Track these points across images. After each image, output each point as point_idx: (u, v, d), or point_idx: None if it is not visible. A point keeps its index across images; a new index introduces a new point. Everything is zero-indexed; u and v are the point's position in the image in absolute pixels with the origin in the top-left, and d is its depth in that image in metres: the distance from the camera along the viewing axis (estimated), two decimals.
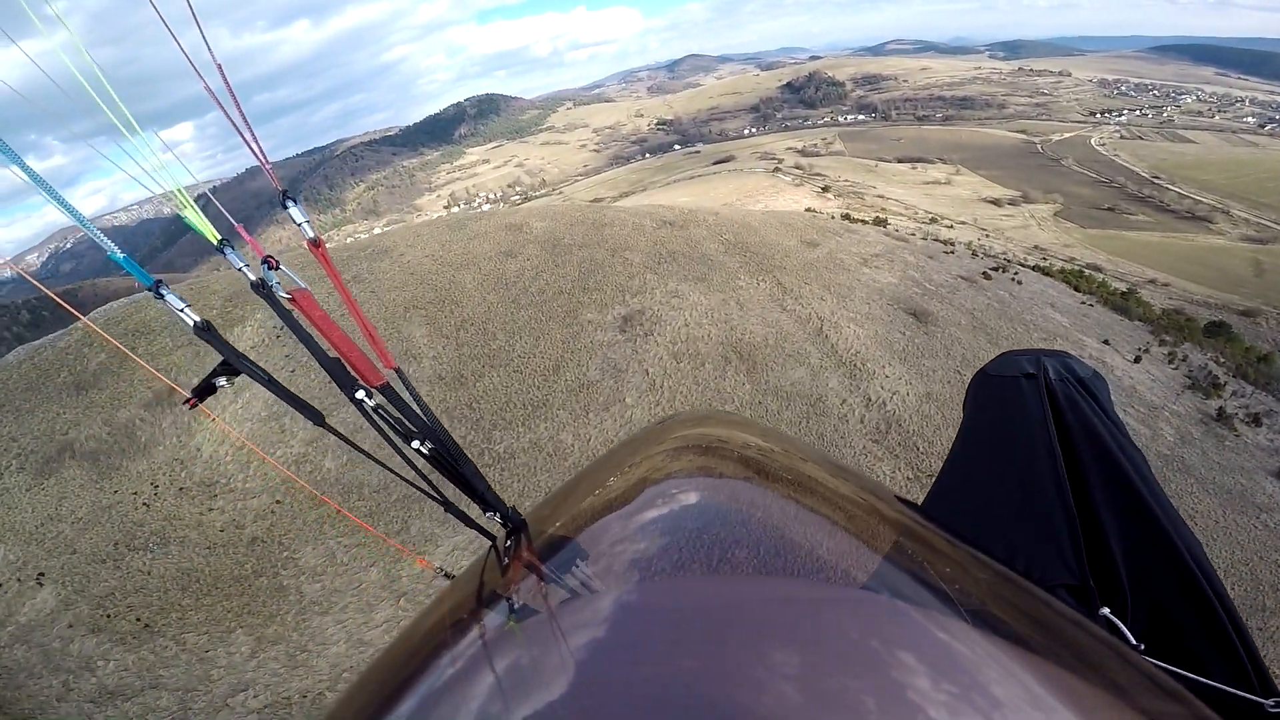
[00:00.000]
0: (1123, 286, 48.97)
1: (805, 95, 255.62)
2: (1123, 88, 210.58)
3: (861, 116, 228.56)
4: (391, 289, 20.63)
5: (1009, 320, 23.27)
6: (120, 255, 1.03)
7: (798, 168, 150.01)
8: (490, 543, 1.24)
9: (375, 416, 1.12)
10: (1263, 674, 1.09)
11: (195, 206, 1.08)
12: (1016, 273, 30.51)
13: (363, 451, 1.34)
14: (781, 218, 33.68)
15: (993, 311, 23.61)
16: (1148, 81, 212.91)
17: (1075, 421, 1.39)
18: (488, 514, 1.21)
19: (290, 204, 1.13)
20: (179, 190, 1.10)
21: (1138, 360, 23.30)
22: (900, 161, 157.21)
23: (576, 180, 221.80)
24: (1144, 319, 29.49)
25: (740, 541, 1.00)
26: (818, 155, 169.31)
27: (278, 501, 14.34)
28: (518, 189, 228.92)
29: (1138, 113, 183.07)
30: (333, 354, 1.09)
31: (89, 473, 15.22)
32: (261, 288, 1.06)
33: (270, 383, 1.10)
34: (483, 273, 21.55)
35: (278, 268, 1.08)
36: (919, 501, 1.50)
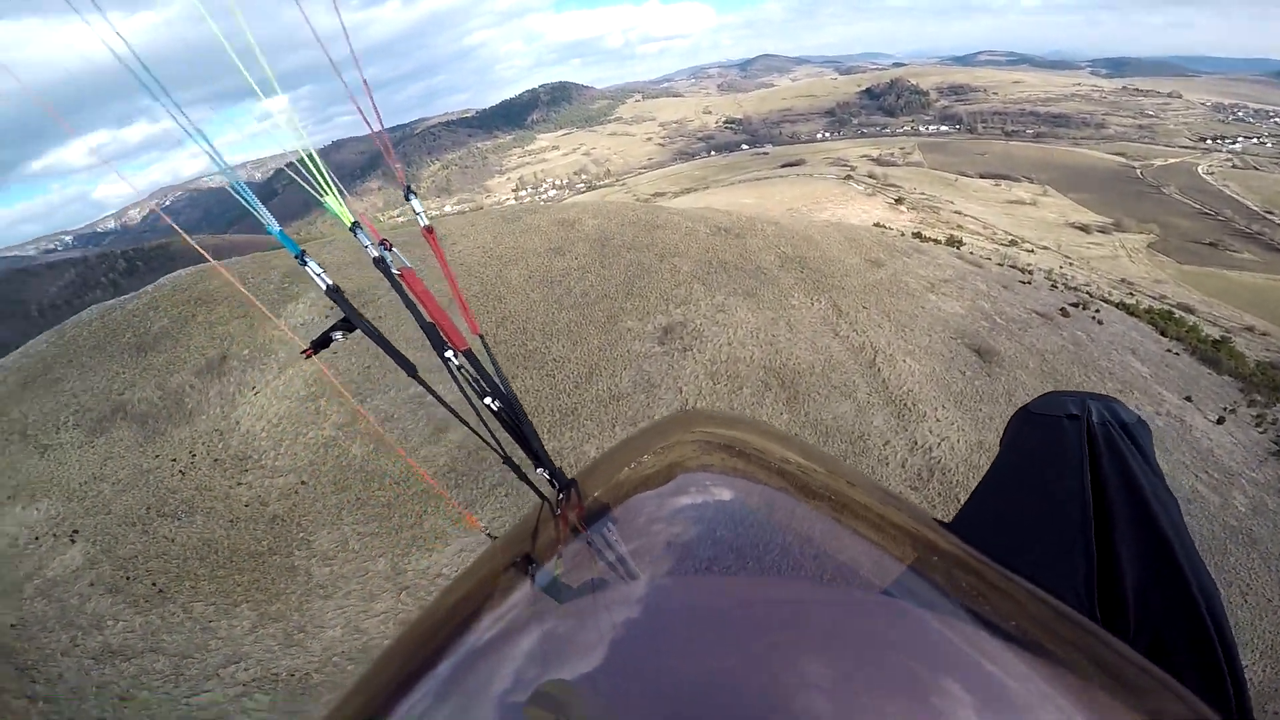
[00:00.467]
0: (1215, 333, 45.00)
1: (885, 102, 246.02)
2: (1239, 113, 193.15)
3: (944, 128, 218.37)
4: (438, 280, 20.67)
5: (1082, 366, 21.46)
6: (277, 229, 1.23)
7: (871, 176, 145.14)
8: (542, 501, 1.34)
9: (458, 375, 1.27)
10: (1245, 710, 1.12)
11: (335, 190, 1.23)
12: (1098, 310, 28.20)
13: (444, 403, 1.54)
14: (846, 232, 32.24)
15: (1066, 355, 21.82)
16: (1269, 107, 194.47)
17: (1112, 464, 1.38)
18: (539, 470, 1.30)
19: (412, 196, 1.43)
20: (325, 174, 1.22)
21: (1221, 421, 21.09)
22: (983, 177, 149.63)
23: (640, 172, 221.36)
24: (1235, 374, 26.71)
25: (770, 543, 1.09)
26: (894, 165, 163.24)
27: (303, 482, 14.55)
28: (583, 177, 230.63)
29: (1254, 140, 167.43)
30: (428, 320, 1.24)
31: (136, 435, 15.87)
32: (380, 263, 1.24)
33: (378, 337, 1.24)
34: (529, 269, 21.39)
35: (391, 249, 1.25)
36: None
